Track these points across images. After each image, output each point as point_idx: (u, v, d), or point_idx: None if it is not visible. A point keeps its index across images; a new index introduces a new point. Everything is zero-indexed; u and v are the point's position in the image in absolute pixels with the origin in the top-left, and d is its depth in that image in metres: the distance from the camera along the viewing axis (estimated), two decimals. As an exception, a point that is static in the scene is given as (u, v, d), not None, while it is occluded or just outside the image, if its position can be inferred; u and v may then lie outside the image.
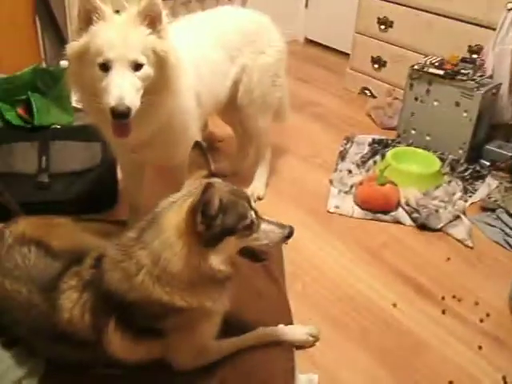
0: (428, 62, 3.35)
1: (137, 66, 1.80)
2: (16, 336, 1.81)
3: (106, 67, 1.78)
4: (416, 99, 3.34)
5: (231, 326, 1.84)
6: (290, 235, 1.68)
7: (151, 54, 1.84)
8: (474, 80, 3.16)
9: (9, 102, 2.98)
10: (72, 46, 1.85)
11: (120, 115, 1.76)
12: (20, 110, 2.96)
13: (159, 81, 1.89)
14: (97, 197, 2.65)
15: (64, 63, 3.22)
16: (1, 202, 2.36)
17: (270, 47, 2.59)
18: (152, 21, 1.84)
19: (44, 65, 3.39)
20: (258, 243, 1.65)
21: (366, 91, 4.18)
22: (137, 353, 1.69)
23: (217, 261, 1.56)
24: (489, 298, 2.33)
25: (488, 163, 3.25)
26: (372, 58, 4.07)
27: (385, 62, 4.00)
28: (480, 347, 2.08)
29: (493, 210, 2.87)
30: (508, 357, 2.06)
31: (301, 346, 1.99)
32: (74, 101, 3.10)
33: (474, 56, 3.39)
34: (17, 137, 2.79)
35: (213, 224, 1.52)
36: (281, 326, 1.98)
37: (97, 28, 1.80)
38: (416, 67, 3.32)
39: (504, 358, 2.05)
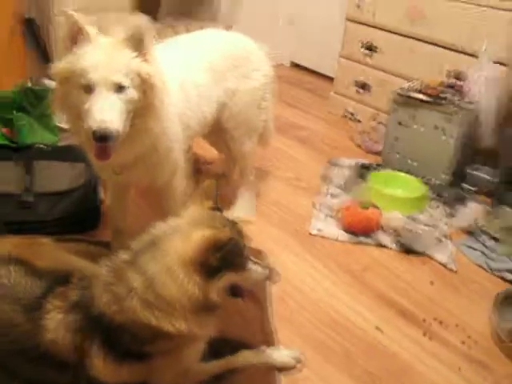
0: (411, 87, 3.39)
1: (120, 89, 1.79)
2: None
3: (89, 89, 1.77)
4: (400, 124, 3.38)
5: (214, 348, 1.82)
6: (272, 277, 1.77)
7: (136, 77, 1.83)
8: (455, 104, 3.20)
9: (-7, 121, 2.98)
10: (57, 67, 1.85)
11: (101, 138, 1.74)
12: (4, 129, 2.95)
13: (144, 104, 1.88)
14: (80, 217, 2.64)
15: (49, 82, 3.24)
16: (-17, 220, 2.35)
17: (256, 71, 2.59)
18: (138, 44, 1.84)
19: (29, 84, 3.38)
20: (245, 280, 1.69)
21: (350, 115, 4.22)
22: (120, 376, 1.65)
23: (214, 292, 1.57)
24: (470, 320, 2.34)
25: (471, 187, 3.28)
26: (356, 82, 4.12)
27: (369, 87, 4.05)
28: (461, 369, 2.09)
29: (475, 234, 2.89)
30: (489, 379, 2.07)
31: (283, 368, 1.98)
32: (58, 120, 3.10)
33: (456, 81, 3.44)
34: (1, 156, 2.78)
35: (218, 259, 1.54)
36: (263, 348, 1.97)
37: (82, 49, 1.80)
38: (399, 92, 3.36)
39: (485, 379, 2.06)
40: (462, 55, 3.44)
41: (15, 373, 1.75)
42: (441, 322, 2.32)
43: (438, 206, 3.06)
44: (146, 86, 1.86)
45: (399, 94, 3.35)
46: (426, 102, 3.24)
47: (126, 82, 1.80)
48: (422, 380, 2.03)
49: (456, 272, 2.63)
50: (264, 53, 2.65)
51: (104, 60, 1.78)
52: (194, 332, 1.61)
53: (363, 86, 4.08)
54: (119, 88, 1.78)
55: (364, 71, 4.06)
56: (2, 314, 1.67)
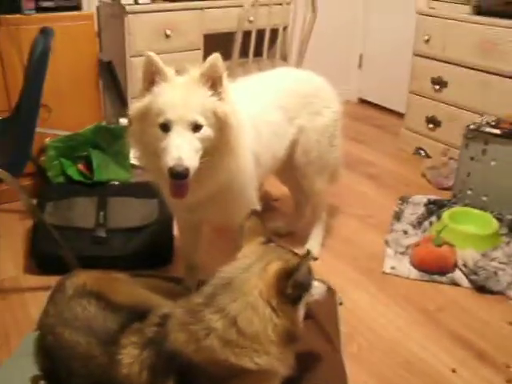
0: (484, 122, 3.32)
1: (196, 127, 1.82)
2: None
3: (166, 127, 1.81)
4: (472, 159, 3.30)
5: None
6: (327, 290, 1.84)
7: (211, 115, 1.85)
8: (531, 139, 3.12)
9: (70, 158, 3.10)
10: (135, 106, 1.91)
11: (178, 175, 1.76)
12: (80, 166, 3.06)
13: (219, 142, 1.90)
14: (153, 253, 2.69)
15: (123, 121, 3.34)
16: (59, 255, 2.41)
17: (326, 108, 2.60)
18: (213, 83, 1.86)
19: (104, 123, 3.50)
20: (312, 298, 1.73)
21: (421, 151, 4.16)
22: None
23: (298, 321, 1.61)
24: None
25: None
26: (426, 117, 4.07)
27: (439, 122, 3.99)
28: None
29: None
30: None
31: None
32: (132, 158, 3.18)
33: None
34: (77, 192, 2.88)
35: (297, 285, 1.58)
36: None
37: (159, 89, 1.85)
38: (472, 127, 3.29)
39: None
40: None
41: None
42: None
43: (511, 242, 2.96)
44: (221, 125, 1.89)
45: (471, 129, 3.28)
46: (500, 136, 3.16)
47: (201, 120, 1.82)
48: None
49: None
50: (333, 89, 2.66)
51: (181, 99, 1.82)
52: (273, 366, 1.59)
53: (434, 122, 4.02)
54: (195, 126, 1.82)
55: (434, 106, 4.01)
56: (78, 346, 1.72)
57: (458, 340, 2.34)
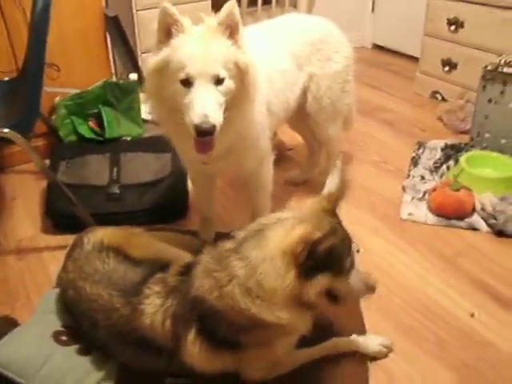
0: (502, 62, 3.23)
1: (219, 80, 1.76)
2: (92, 343, 1.83)
3: (187, 82, 1.74)
4: (490, 101, 3.22)
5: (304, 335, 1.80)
6: (371, 291, 1.71)
7: (233, 66, 1.80)
8: (551, 78, 3.03)
9: (81, 116, 3.08)
10: (152, 61, 1.82)
11: (204, 133, 1.72)
12: (92, 124, 3.04)
13: (239, 93, 1.85)
14: (167, 207, 2.69)
15: (133, 76, 3.31)
16: (74, 212, 2.42)
17: (336, 53, 2.53)
18: (231, 31, 1.80)
19: (114, 79, 3.46)
20: (343, 289, 1.63)
21: (437, 95, 4.08)
22: (213, 364, 1.67)
23: (309, 292, 1.54)
24: None
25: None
26: (442, 60, 3.96)
27: (455, 64, 3.89)
28: None
29: None
30: None
31: (374, 357, 1.94)
32: (146, 113, 3.16)
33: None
34: (89, 149, 2.87)
35: (314, 259, 1.50)
36: (354, 337, 1.94)
37: (177, 41, 1.78)
38: (489, 68, 3.20)
39: None
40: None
41: (113, 355, 1.81)
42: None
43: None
44: (242, 76, 1.83)
45: (489, 70, 3.19)
46: (519, 76, 3.07)
47: (224, 73, 1.77)
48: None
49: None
50: (344, 35, 2.59)
51: (201, 52, 1.75)
52: (292, 323, 1.59)
53: (450, 64, 3.92)
54: (218, 80, 1.76)
55: (450, 48, 3.90)
56: (99, 299, 1.74)
57: (476, 285, 2.32)
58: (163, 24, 1.77)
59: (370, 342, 1.96)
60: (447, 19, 3.86)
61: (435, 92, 4.09)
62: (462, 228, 2.67)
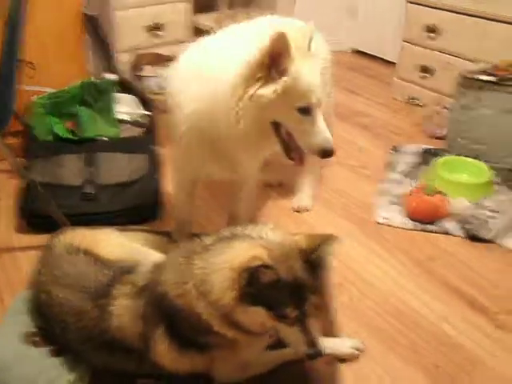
0: (478, 69, 3.26)
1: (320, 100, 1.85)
2: (64, 345, 1.81)
3: (306, 110, 1.80)
4: (465, 107, 3.25)
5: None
6: (311, 357, 1.60)
7: None
8: (526, 86, 3.07)
9: (57, 115, 3.04)
10: (266, 95, 1.76)
11: (329, 154, 1.87)
12: (68, 123, 3.01)
13: None
14: (142, 208, 2.67)
15: (110, 76, 3.29)
16: (48, 213, 2.39)
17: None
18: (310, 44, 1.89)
19: (92, 79, 3.44)
20: (279, 333, 1.59)
21: (414, 100, 4.10)
22: (182, 364, 1.67)
23: (243, 318, 1.52)
24: (546, 312, 2.23)
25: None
26: (419, 66, 4.00)
27: (432, 71, 3.92)
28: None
29: None
30: None
31: (345, 359, 1.95)
32: (120, 113, 3.14)
33: (528, 61, 3.29)
34: (64, 149, 2.84)
35: (255, 287, 1.46)
36: (325, 339, 1.94)
37: (295, 70, 1.75)
38: (465, 74, 3.23)
39: None
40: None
41: (85, 358, 1.79)
42: (514, 315, 2.22)
43: (504, 191, 2.94)
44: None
45: (464, 77, 3.23)
46: (494, 83, 3.10)
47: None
48: (494, 375, 1.95)
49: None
50: (320, 36, 2.58)
51: (316, 81, 1.82)
52: (234, 338, 1.59)
53: (427, 70, 3.95)
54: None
55: (427, 55, 3.93)
56: (69, 302, 1.72)
57: (450, 289, 2.34)
58: (277, 51, 1.72)
59: (341, 344, 1.96)
60: (426, 26, 3.89)
61: (412, 97, 4.12)
62: (436, 232, 2.69)
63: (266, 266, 1.43)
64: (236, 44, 1.95)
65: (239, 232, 1.61)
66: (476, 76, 3.19)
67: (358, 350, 1.97)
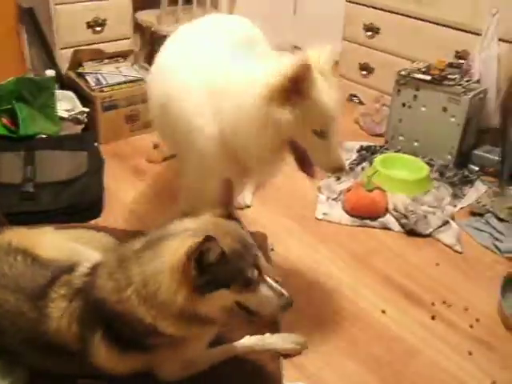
0: (415, 68, 3.35)
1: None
2: (2, 348, 1.77)
3: (321, 133, 1.80)
4: (403, 105, 3.34)
5: (217, 335, 1.81)
6: (285, 308, 1.62)
7: None
8: (461, 85, 3.16)
9: (-8, 111, 2.97)
10: (285, 118, 1.75)
11: (340, 171, 1.92)
12: (5, 120, 2.94)
13: None
14: (83, 206, 2.64)
15: (50, 72, 3.22)
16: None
17: None
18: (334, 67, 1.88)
19: (31, 75, 3.37)
20: (251, 306, 1.59)
21: (354, 98, 4.17)
22: (123, 365, 1.65)
23: (206, 309, 1.51)
24: (478, 303, 2.31)
25: (476, 168, 3.26)
26: (360, 64, 4.07)
27: (372, 69, 3.99)
28: (470, 353, 2.08)
29: (481, 215, 2.86)
30: (498, 362, 2.05)
31: (288, 355, 1.97)
32: (60, 110, 3.09)
33: (461, 61, 3.39)
34: (2, 147, 2.77)
35: (207, 273, 1.45)
36: (267, 335, 1.96)
37: (315, 95, 1.75)
38: (403, 73, 3.32)
39: (494, 363, 2.04)
40: (469, 34, 3.37)
41: (23, 360, 1.76)
42: (449, 305, 2.30)
43: (443, 187, 3.03)
44: None
45: (402, 75, 3.31)
46: (431, 82, 3.20)
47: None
48: (431, 364, 2.02)
49: (462, 253, 2.60)
50: (260, 31, 2.55)
51: (336, 106, 1.81)
52: (190, 336, 1.60)
53: (367, 69, 4.02)
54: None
55: (367, 53, 4.00)
56: (6, 304, 1.68)
57: (388, 282, 2.40)
58: (300, 77, 1.70)
59: (283, 339, 1.98)
60: (364, 25, 3.96)
61: (353, 95, 4.18)
62: (375, 228, 2.75)
63: (206, 247, 1.42)
64: (241, 60, 1.96)
65: (168, 230, 1.58)
66: (412, 75, 3.27)
67: (299, 344, 2.00)
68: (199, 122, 1.94)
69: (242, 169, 2.02)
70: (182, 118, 1.99)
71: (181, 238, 1.51)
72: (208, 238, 1.40)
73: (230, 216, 1.63)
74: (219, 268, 1.46)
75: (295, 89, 1.72)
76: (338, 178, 3.08)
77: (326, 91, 1.77)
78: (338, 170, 1.90)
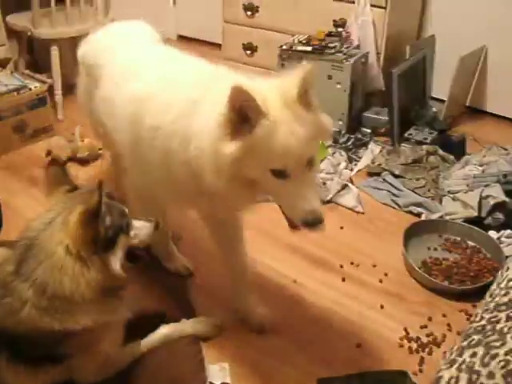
0: (296, 41, 3.40)
1: (309, 161, 1.51)
2: None
3: (281, 173, 1.47)
4: (289, 78, 3.38)
5: (133, 327, 1.78)
6: (157, 226, 1.70)
7: (318, 140, 1.61)
8: (341, 52, 3.25)
9: None
10: (228, 149, 1.45)
11: (315, 228, 1.52)
12: None
13: None
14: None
15: None
16: None
17: None
18: (306, 96, 1.50)
19: None
20: (136, 240, 1.64)
21: (243, 78, 4.18)
22: (38, 381, 1.60)
23: (117, 264, 1.52)
24: (385, 258, 2.41)
25: (369, 130, 3.36)
26: (243, 45, 4.08)
27: (256, 48, 4.02)
28: (382, 306, 2.16)
29: (378, 174, 2.96)
30: (408, 310, 2.15)
31: (207, 338, 1.98)
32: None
33: (340, 29, 3.47)
34: None
35: (106, 226, 1.47)
36: (183, 321, 1.96)
37: (262, 131, 1.43)
38: (284, 47, 3.36)
39: (404, 311, 2.15)
40: (344, 3, 3.47)
41: None
42: (357, 265, 2.37)
43: (338, 153, 3.10)
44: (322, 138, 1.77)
45: (285, 50, 3.35)
46: (312, 53, 3.25)
47: (314, 151, 1.55)
48: (346, 323, 2.08)
49: (364, 214, 2.68)
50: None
51: (297, 142, 1.45)
52: (100, 321, 1.56)
53: (251, 48, 4.05)
54: (309, 161, 1.51)
55: (249, 33, 4.03)
56: None
57: (295, 252, 2.45)
58: (237, 108, 1.43)
59: (200, 323, 1.98)
60: (243, 5, 3.97)
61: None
62: (277, 201, 2.77)
63: (92, 210, 1.44)
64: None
65: (34, 232, 1.52)
66: (295, 48, 3.32)
67: (217, 327, 2.01)
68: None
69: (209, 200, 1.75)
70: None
71: (57, 225, 1.49)
72: (97, 191, 1.43)
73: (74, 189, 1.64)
74: (108, 218, 1.49)
75: (246, 119, 1.44)
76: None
77: (285, 121, 1.45)
78: (308, 223, 1.50)
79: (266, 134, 1.43)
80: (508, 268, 1.11)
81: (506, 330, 0.93)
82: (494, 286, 1.06)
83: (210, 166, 1.52)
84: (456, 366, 0.88)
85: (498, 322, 0.96)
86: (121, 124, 1.89)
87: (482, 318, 0.97)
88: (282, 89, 1.48)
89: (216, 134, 1.48)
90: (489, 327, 0.95)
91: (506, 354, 0.88)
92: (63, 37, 3.57)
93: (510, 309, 0.99)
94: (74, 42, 3.71)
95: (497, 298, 1.01)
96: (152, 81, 1.82)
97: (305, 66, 1.49)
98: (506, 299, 1.01)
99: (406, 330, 2.05)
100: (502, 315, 0.97)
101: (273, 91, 1.48)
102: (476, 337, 0.94)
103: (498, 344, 0.90)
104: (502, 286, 1.04)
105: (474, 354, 0.89)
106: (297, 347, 1.98)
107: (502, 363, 0.85)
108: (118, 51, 2.08)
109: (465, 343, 0.92)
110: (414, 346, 2.00)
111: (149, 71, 1.88)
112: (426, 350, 1.98)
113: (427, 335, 2.03)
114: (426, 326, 2.07)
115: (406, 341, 2.02)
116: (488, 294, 1.05)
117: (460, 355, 0.90)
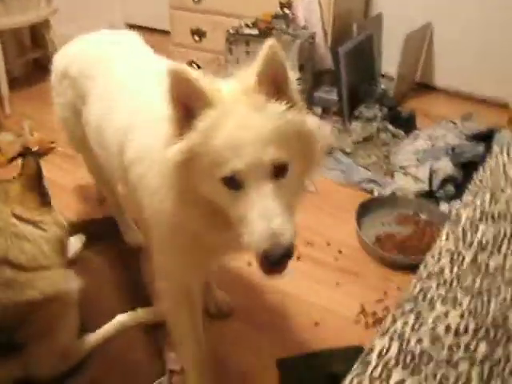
0: (243, 24, 3.39)
1: (280, 169, 1.14)
2: None
3: (234, 183, 1.13)
4: (238, 62, 3.37)
5: (90, 320, 1.81)
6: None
7: (294, 140, 1.17)
8: (288, 33, 3.24)
9: None
10: (172, 151, 1.17)
11: (277, 260, 1.10)
12: None
13: (303, 171, 1.26)
14: None
15: None
16: None
17: None
18: (277, 83, 1.16)
19: None
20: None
21: (193, 64, 4.16)
22: None
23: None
24: (339, 236, 2.44)
25: (320, 109, 3.37)
26: (191, 30, 4.05)
27: (204, 33, 3.99)
28: (337, 283, 2.19)
29: (330, 153, 2.97)
30: (363, 286, 2.19)
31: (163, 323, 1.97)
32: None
33: (286, 11, 3.47)
34: None
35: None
36: (139, 310, 1.96)
37: (205, 123, 1.13)
38: (231, 31, 3.35)
39: (360, 287, 2.18)
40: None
41: None
42: (312, 245, 2.39)
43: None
44: (307, 147, 1.22)
45: (232, 34, 3.34)
46: (258, 36, 3.25)
47: (284, 156, 1.14)
48: (302, 303, 2.10)
49: (317, 193, 2.69)
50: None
51: (248, 134, 1.12)
52: (60, 284, 1.59)
53: (199, 33, 4.02)
54: (278, 169, 1.14)
55: (197, 18, 3.99)
56: None
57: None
58: (178, 97, 1.14)
59: (156, 311, 1.96)
60: (188, -10, 3.94)
61: (191, 62, 4.16)
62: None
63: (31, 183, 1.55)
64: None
65: None
66: (241, 31, 3.32)
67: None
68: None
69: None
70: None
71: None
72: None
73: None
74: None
75: (189, 114, 1.16)
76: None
77: (236, 115, 1.13)
78: (269, 259, 1.10)
79: (209, 129, 1.13)
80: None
81: (435, 297, 0.96)
82: (428, 256, 1.08)
83: (163, 183, 1.26)
84: (389, 335, 0.90)
85: (428, 290, 0.98)
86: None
87: (415, 287, 1.00)
88: (243, 76, 1.19)
89: (164, 138, 1.21)
90: (420, 296, 0.97)
91: (434, 321, 0.90)
92: (3, 28, 3.44)
93: (440, 277, 1.01)
94: (16, 33, 3.66)
95: (430, 267, 1.03)
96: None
97: (267, 43, 1.14)
98: (437, 268, 1.03)
99: (362, 305, 2.08)
100: (433, 283, 1.00)
101: (233, 81, 1.21)
102: (408, 306, 0.96)
103: (427, 311, 0.93)
104: (435, 254, 1.06)
105: (405, 323, 0.92)
106: (255, 330, 2.00)
107: (431, 329, 0.88)
108: (114, 63, 1.85)
109: (398, 312, 0.94)
110: (371, 321, 2.03)
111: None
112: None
113: (383, 309, 2.06)
114: (381, 301, 2.10)
115: (362, 316, 2.05)
116: (423, 263, 1.08)
117: (392, 324, 0.92)
